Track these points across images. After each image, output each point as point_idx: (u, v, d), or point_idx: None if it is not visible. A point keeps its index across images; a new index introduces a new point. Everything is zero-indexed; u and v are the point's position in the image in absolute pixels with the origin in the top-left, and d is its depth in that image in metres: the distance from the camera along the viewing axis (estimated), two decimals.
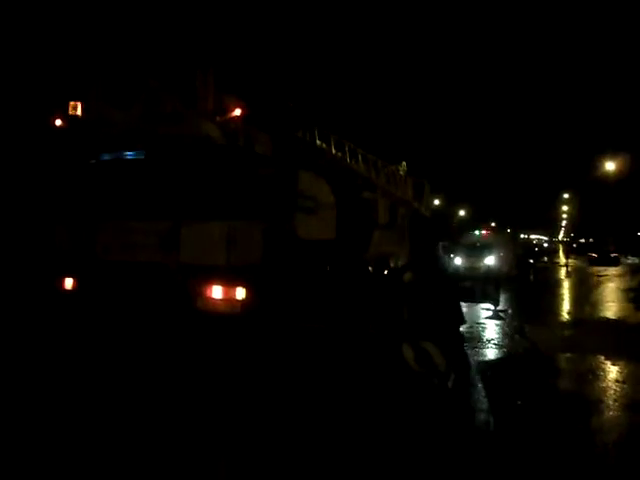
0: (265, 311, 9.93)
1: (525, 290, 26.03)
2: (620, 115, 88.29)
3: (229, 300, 9.88)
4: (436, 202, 50.34)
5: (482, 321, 16.10)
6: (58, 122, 11.04)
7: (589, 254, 55.18)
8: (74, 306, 10.69)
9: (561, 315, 18.93)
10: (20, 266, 14.56)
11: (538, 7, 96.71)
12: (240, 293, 9.87)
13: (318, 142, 13.32)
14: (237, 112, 9.93)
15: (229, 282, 9.89)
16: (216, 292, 9.95)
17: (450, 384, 8.38)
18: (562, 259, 63.10)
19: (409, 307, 10.30)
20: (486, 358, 11.64)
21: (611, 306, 20.33)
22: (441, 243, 33.22)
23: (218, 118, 9.89)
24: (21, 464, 5.95)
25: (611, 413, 8.18)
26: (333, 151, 14.10)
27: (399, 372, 8.97)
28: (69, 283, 10.99)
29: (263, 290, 10.04)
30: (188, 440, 6.59)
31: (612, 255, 50.96)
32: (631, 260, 56.35)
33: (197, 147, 9.95)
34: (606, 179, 46.13)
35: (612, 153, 44.64)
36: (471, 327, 15.08)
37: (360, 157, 15.82)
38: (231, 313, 9.75)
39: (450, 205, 64.15)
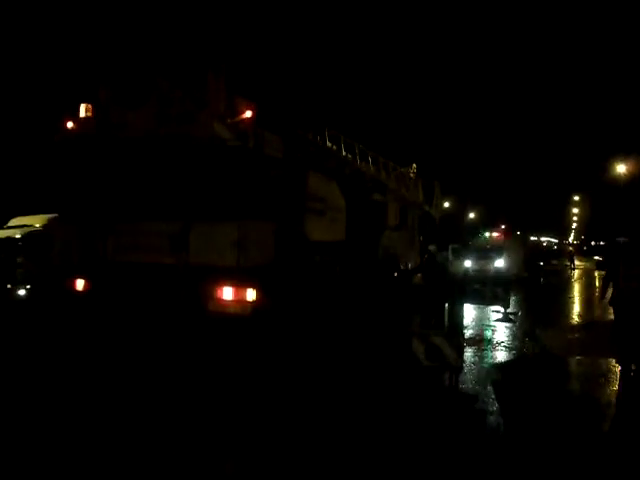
0: (275, 312, 9.93)
1: (535, 293, 25.94)
2: (631, 117, 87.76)
3: (239, 301, 9.87)
4: (446, 204, 50.19)
5: (492, 323, 16.06)
6: (70, 124, 11.09)
7: (595, 257, 54.28)
8: (85, 307, 10.73)
9: (571, 317, 18.85)
10: (32, 266, 14.61)
11: (550, 8, 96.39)
12: (250, 294, 9.86)
13: (328, 144, 13.31)
14: (248, 114, 9.92)
15: (239, 283, 9.88)
16: (226, 293, 9.94)
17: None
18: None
19: (419, 306, 10.34)
20: (496, 360, 11.61)
21: None
22: (451, 246, 33.19)
23: (229, 120, 9.89)
24: (24, 460, 6.00)
25: (622, 417, 8.14)
26: (343, 153, 14.08)
27: (408, 368, 9.01)
28: (80, 284, 11.02)
29: (273, 291, 10.04)
30: (197, 439, 6.62)
31: None
32: None
33: (208, 148, 9.95)
34: (617, 181, 45.91)
35: (623, 155, 44.42)
36: (481, 329, 15.06)
37: (370, 159, 15.80)
38: (241, 314, 9.75)
39: (460, 207, 63.98)
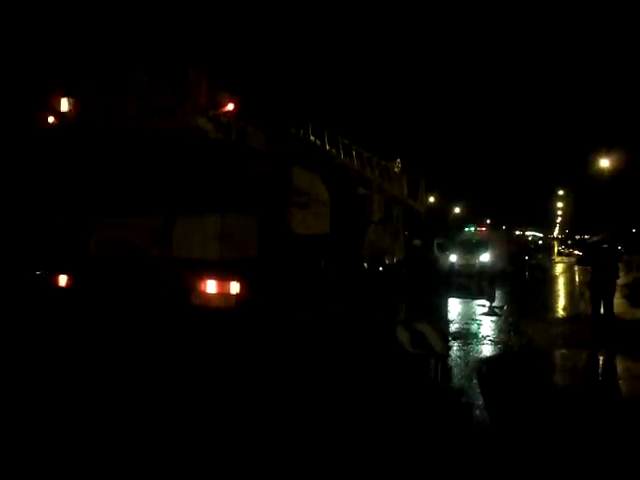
0: (259, 305, 9.91)
1: (520, 286, 26.03)
2: (614, 111, 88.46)
3: (223, 294, 9.86)
4: (431, 199, 50.33)
5: (477, 317, 16.06)
6: (51, 119, 10.97)
7: (575, 251, 54.23)
8: (68, 303, 10.63)
9: (556, 311, 18.92)
10: (14, 263, 14.47)
11: (529, 4, 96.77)
12: (234, 287, 9.84)
13: (312, 138, 13.28)
14: (230, 107, 9.90)
15: (223, 276, 9.86)
16: (210, 286, 9.92)
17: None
18: (557, 256, 63.22)
19: (404, 297, 10.33)
20: (482, 354, 11.60)
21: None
22: (436, 240, 33.29)
23: (211, 112, 9.86)
24: (17, 465, 5.89)
25: (606, 408, 8.15)
26: (327, 147, 14.06)
27: (393, 359, 8.97)
28: (63, 280, 10.92)
29: (257, 284, 10.02)
30: (183, 436, 6.54)
31: None
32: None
33: (190, 141, 9.91)
34: (600, 175, 46.08)
35: (606, 149, 44.57)
36: (466, 323, 15.05)
37: (354, 153, 15.79)
38: (225, 307, 9.72)
39: (445, 202, 64.18)
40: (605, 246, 13.86)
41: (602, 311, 13.07)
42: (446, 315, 9.82)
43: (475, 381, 9.39)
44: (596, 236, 12.87)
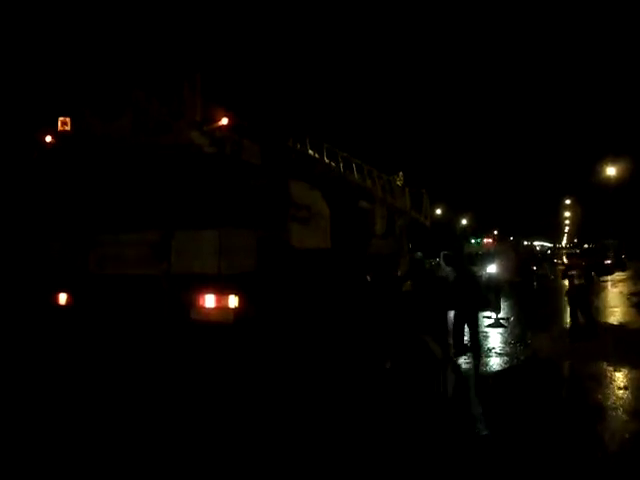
0: (258, 320, 9.85)
1: (527, 297, 25.81)
2: (620, 120, 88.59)
3: (222, 309, 9.83)
4: (438, 211, 50.37)
5: (484, 329, 15.90)
6: (48, 138, 10.99)
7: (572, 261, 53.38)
8: (69, 321, 10.60)
9: (563, 322, 18.70)
10: (14, 282, 14.46)
11: (536, 14, 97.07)
12: (233, 301, 9.82)
13: (310, 151, 13.23)
14: (224, 121, 9.91)
15: (221, 291, 9.82)
16: (209, 301, 9.90)
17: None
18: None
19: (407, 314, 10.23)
20: (488, 366, 11.45)
21: (614, 312, 20.07)
22: (442, 252, 33.20)
23: (205, 127, 9.87)
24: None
25: (614, 421, 8.00)
26: (326, 161, 14.00)
27: (397, 373, 8.91)
28: (63, 298, 10.90)
29: (256, 299, 9.98)
30: (183, 448, 6.54)
31: (606, 262, 48.79)
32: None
33: (185, 156, 9.90)
34: (607, 184, 46.01)
35: (613, 158, 44.53)
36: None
37: (355, 167, 15.73)
38: (224, 322, 9.68)
39: (452, 214, 64.19)
40: (580, 257, 14.93)
41: (581, 320, 14.44)
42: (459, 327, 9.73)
43: (481, 393, 9.29)
44: (575, 248, 13.28)
